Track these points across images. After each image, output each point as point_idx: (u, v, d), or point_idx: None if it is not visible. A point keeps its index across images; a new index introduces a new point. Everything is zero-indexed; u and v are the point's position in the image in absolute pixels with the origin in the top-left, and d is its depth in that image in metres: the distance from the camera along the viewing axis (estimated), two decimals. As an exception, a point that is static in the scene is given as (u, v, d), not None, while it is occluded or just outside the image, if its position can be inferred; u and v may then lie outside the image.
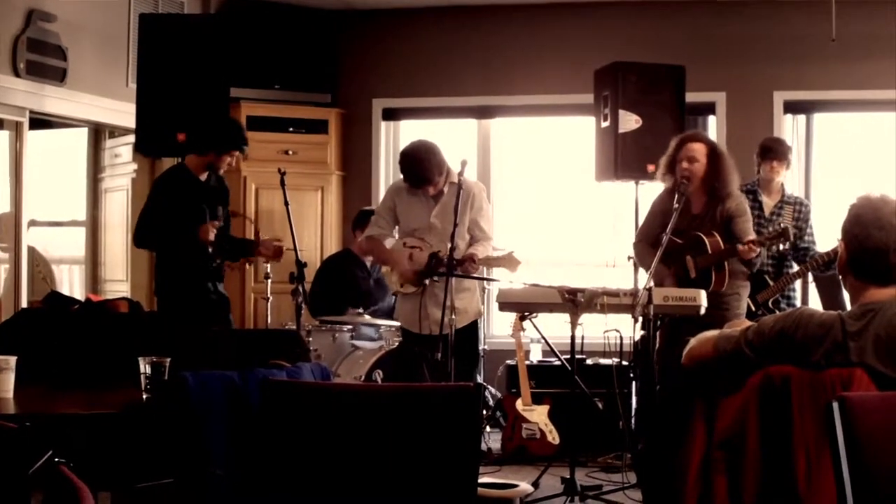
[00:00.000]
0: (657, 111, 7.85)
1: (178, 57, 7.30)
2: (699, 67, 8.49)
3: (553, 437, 7.31)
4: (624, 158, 7.77)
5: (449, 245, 6.22)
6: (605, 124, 7.93)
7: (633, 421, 7.32)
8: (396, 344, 7.21)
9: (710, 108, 9.28)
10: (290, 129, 9.42)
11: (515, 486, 6.38)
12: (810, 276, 7.36)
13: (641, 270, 6.78)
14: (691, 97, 8.15)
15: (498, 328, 9.33)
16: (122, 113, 7.97)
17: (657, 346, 6.26)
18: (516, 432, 7.42)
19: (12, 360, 3.97)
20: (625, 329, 6.76)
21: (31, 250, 8.03)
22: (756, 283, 6.75)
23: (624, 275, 7.68)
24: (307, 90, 9.61)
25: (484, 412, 8.01)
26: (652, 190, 7.61)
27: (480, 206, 6.67)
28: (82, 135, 9.05)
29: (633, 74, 7.86)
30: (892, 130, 8.99)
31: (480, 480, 5.48)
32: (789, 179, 7.66)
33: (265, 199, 9.12)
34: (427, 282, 6.56)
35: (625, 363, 7.46)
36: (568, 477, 6.03)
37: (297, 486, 3.11)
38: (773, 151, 7.29)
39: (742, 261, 6.11)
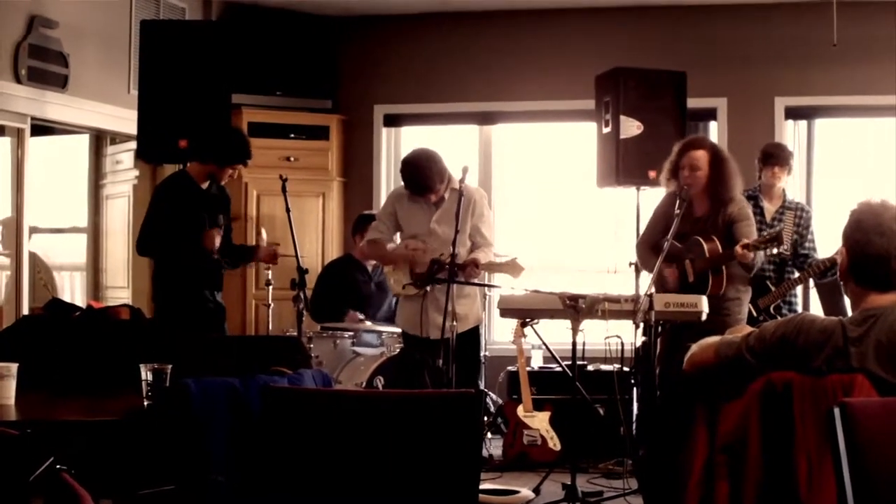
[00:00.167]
0: (658, 117, 7.86)
1: (180, 63, 7.30)
2: (700, 73, 8.49)
3: (554, 443, 7.30)
4: (625, 164, 7.77)
5: (451, 251, 6.22)
6: (606, 130, 7.94)
7: (634, 427, 7.31)
8: (398, 350, 7.21)
9: (711, 114, 9.27)
10: (292, 136, 9.43)
11: (517, 492, 6.39)
12: (811, 282, 7.36)
13: (643, 276, 6.77)
14: (692, 103, 8.16)
15: (499, 334, 9.32)
16: (124, 119, 7.97)
17: (658, 352, 6.26)
18: (517, 439, 7.41)
19: (14, 366, 3.97)
20: (626, 335, 6.75)
21: (33, 257, 8.03)
22: (757, 288, 6.75)
23: (625, 281, 7.67)
24: (308, 96, 9.61)
25: (485, 418, 8.01)
26: (653, 196, 7.61)
27: (482, 213, 6.67)
28: (84, 141, 9.05)
29: (634, 80, 7.87)
30: (893, 136, 8.99)
31: (482, 487, 5.49)
32: (790, 185, 7.66)
33: (266, 205, 9.12)
34: (428, 286, 6.56)
35: (626, 369, 7.45)
36: (569, 483, 6.03)
37: (299, 493, 3.11)
38: (775, 157, 7.29)
39: (740, 265, 6.11)
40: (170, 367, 3.88)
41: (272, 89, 9.46)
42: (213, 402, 3.97)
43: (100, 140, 9.00)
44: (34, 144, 7.53)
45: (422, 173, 6.58)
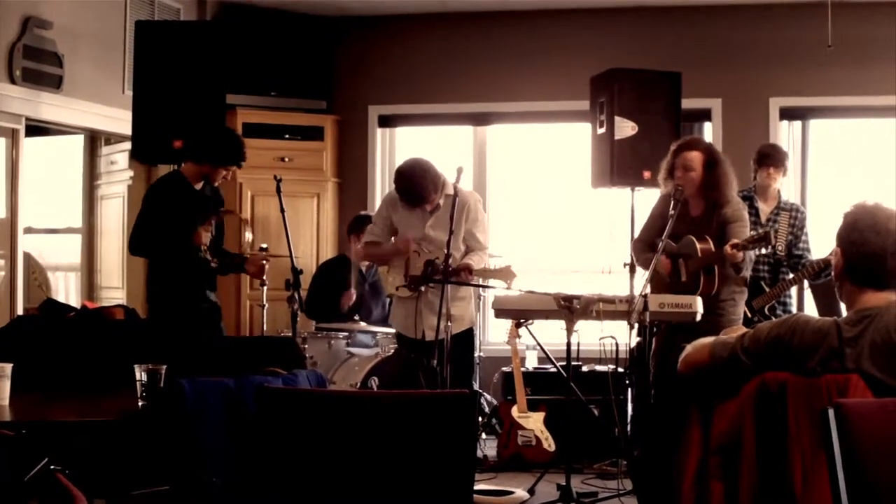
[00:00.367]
0: (653, 118, 7.86)
1: (175, 64, 7.29)
2: (695, 74, 8.49)
3: (549, 443, 7.31)
4: (620, 165, 7.77)
5: (444, 254, 6.22)
6: (601, 131, 7.94)
7: (628, 427, 7.31)
8: (392, 351, 7.21)
9: (705, 115, 9.28)
10: (286, 136, 9.43)
11: (511, 492, 6.40)
12: (806, 283, 7.36)
13: (637, 277, 6.78)
14: (687, 104, 8.16)
15: (494, 335, 9.32)
16: (119, 120, 7.96)
17: (653, 352, 6.26)
18: (512, 439, 7.42)
19: (8, 367, 3.97)
20: (621, 336, 6.75)
21: (28, 257, 8.02)
22: (752, 289, 6.75)
23: (620, 281, 7.67)
24: (303, 97, 9.61)
25: (480, 419, 8.01)
26: (648, 197, 7.63)
27: (476, 217, 6.67)
28: (78, 142, 9.04)
29: (628, 81, 7.87)
30: (888, 136, 9.00)
31: (476, 487, 5.49)
32: (785, 186, 7.66)
33: (261, 205, 9.13)
34: (423, 287, 6.56)
35: (620, 370, 7.46)
36: (564, 484, 6.03)
37: (293, 494, 3.11)
38: (770, 158, 7.30)
39: (731, 265, 6.11)
40: (164, 367, 3.87)
41: (267, 90, 9.46)
42: (207, 403, 3.97)
43: (94, 140, 9.00)
44: (29, 145, 7.52)
45: (416, 184, 6.57)
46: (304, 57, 9.62)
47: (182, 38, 7.45)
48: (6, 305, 7.27)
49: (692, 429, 3.44)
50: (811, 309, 7.95)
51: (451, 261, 6.28)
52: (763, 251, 6.43)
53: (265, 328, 7.40)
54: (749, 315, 6.72)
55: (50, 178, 9.26)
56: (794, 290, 7.49)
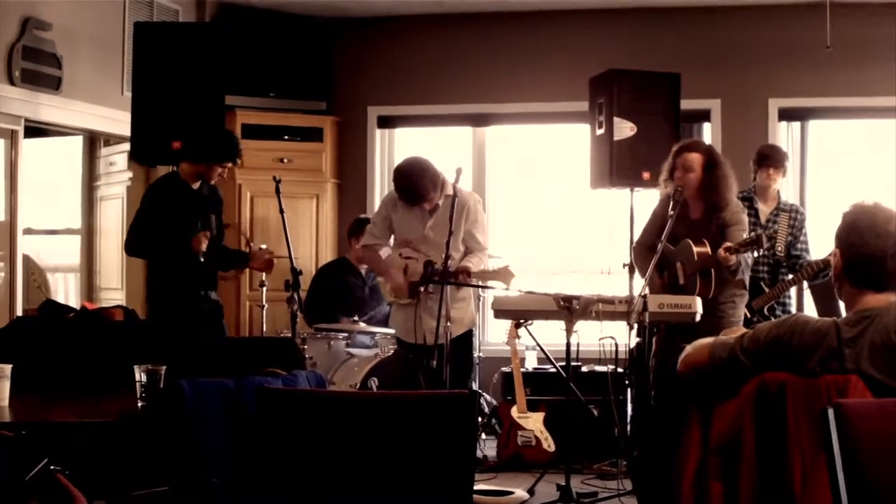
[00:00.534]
0: (652, 118, 7.86)
1: (173, 65, 7.29)
2: (694, 75, 8.49)
3: (548, 444, 7.31)
4: (619, 166, 7.77)
5: (444, 255, 6.23)
6: (600, 132, 7.94)
7: (628, 428, 7.31)
8: (391, 352, 7.21)
9: (705, 116, 9.29)
10: (285, 137, 9.43)
11: (511, 493, 6.39)
12: (806, 283, 7.36)
13: (637, 277, 6.78)
14: (686, 104, 8.16)
15: (493, 336, 9.33)
16: (118, 121, 7.96)
17: (652, 352, 6.26)
18: (512, 439, 7.42)
19: (7, 368, 3.97)
20: (620, 336, 6.75)
21: (27, 258, 8.02)
22: (751, 290, 6.75)
23: (619, 282, 7.68)
24: (302, 98, 9.61)
25: (479, 419, 8.01)
26: (647, 197, 7.63)
27: (475, 218, 6.68)
28: (77, 143, 9.04)
29: (627, 82, 7.87)
30: (887, 137, 9.01)
31: (476, 487, 5.49)
32: (784, 186, 7.66)
33: (260, 207, 9.13)
34: (422, 291, 6.56)
35: (620, 370, 7.46)
36: (563, 484, 6.04)
37: (293, 494, 3.11)
38: (770, 159, 7.30)
39: (725, 268, 6.11)
40: (164, 368, 3.88)
41: (266, 91, 9.47)
42: (207, 404, 3.97)
43: (93, 142, 9.00)
44: (28, 146, 7.52)
45: (415, 182, 6.59)
46: (303, 58, 9.62)
47: (181, 40, 7.44)
48: (6, 306, 7.27)
49: (692, 429, 3.45)
50: (810, 309, 7.96)
51: (450, 262, 6.29)
52: (756, 254, 6.42)
53: (265, 329, 7.41)
54: (748, 315, 6.72)
55: (49, 180, 9.26)
56: (793, 291, 7.50)
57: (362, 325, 7.67)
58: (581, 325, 6.06)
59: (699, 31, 9.25)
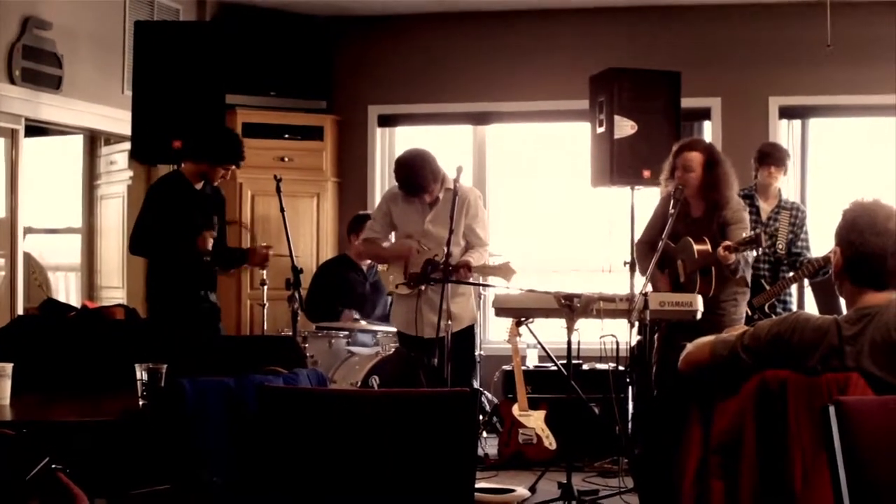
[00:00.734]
0: (652, 117, 7.86)
1: (174, 64, 7.30)
2: (694, 73, 8.49)
3: (549, 442, 7.31)
4: (619, 164, 7.77)
5: (445, 251, 6.23)
6: (600, 130, 7.94)
7: (629, 426, 7.31)
8: (392, 350, 7.21)
9: (705, 114, 9.28)
10: (286, 136, 9.43)
11: (512, 490, 6.39)
12: (806, 281, 7.36)
13: (637, 275, 6.78)
14: (686, 103, 8.16)
15: (494, 334, 9.32)
16: (118, 120, 7.96)
17: (654, 350, 6.26)
18: (513, 437, 7.42)
19: (8, 367, 3.97)
20: (621, 334, 6.76)
21: (28, 257, 8.02)
22: (752, 287, 6.76)
23: (620, 280, 7.68)
24: (303, 97, 9.61)
25: (480, 417, 8.01)
26: (647, 196, 7.63)
27: (476, 213, 6.69)
28: (78, 142, 9.04)
29: (628, 80, 7.87)
30: (888, 135, 9.01)
31: (477, 485, 5.49)
32: (784, 184, 7.66)
33: (261, 205, 9.12)
34: (423, 285, 6.57)
35: (621, 368, 7.46)
36: (565, 482, 6.03)
37: (294, 493, 3.11)
38: (772, 157, 7.31)
39: (725, 267, 6.11)
40: (165, 366, 3.88)
41: (266, 90, 9.46)
42: (208, 402, 3.97)
43: (94, 141, 9.00)
44: (28, 145, 7.52)
45: (416, 173, 6.60)
46: (303, 57, 9.62)
47: (181, 39, 7.45)
48: (6, 305, 7.27)
49: (693, 427, 3.45)
50: (811, 307, 7.95)
51: (450, 258, 6.29)
52: (755, 252, 6.43)
53: (266, 327, 7.41)
54: (749, 313, 6.73)
55: (50, 179, 9.26)
56: (794, 288, 7.50)
57: (363, 323, 7.67)
58: (582, 323, 6.05)
59: (699, 29, 9.25)
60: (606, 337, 6.83)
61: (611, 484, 6.58)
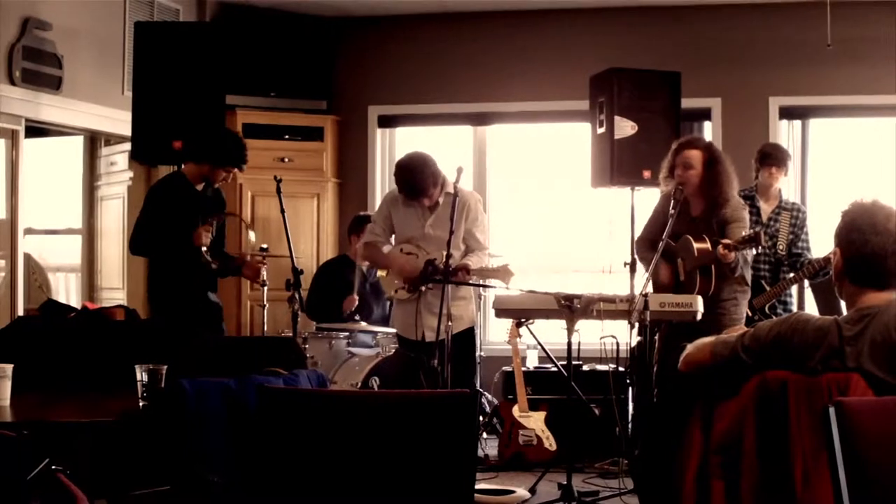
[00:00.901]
0: (653, 117, 7.86)
1: (174, 65, 7.30)
2: (694, 73, 8.49)
3: (550, 443, 7.31)
4: (620, 164, 7.77)
5: (444, 253, 6.23)
6: (600, 130, 7.94)
7: (629, 427, 7.32)
8: (393, 351, 7.21)
9: (705, 114, 9.29)
10: (286, 137, 9.43)
11: (512, 492, 6.39)
12: (807, 282, 7.36)
13: (638, 276, 6.78)
14: (687, 103, 8.16)
15: (494, 335, 9.33)
16: (118, 121, 7.96)
17: (654, 351, 6.26)
18: (513, 439, 7.42)
19: (9, 367, 3.97)
20: (621, 335, 6.76)
21: (28, 258, 8.03)
22: (753, 288, 6.75)
23: (620, 281, 7.68)
24: (303, 97, 9.62)
25: (481, 418, 8.01)
26: (648, 196, 7.63)
27: (476, 217, 6.68)
28: (78, 143, 9.04)
29: (628, 80, 7.87)
30: (888, 135, 9.01)
31: (477, 486, 5.49)
32: (785, 185, 7.66)
33: (261, 206, 9.13)
34: (423, 288, 6.57)
35: (621, 369, 7.46)
36: (565, 483, 6.03)
37: (294, 494, 3.11)
38: (773, 157, 7.30)
39: (724, 265, 6.10)
40: (165, 367, 3.87)
41: (266, 90, 9.47)
42: (208, 403, 3.97)
43: (94, 141, 9.00)
44: (28, 146, 7.53)
45: (415, 177, 6.59)
46: (303, 57, 9.63)
47: (181, 39, 7.45)
48: (7, 306, 7.27)
49: (693, 428, 3.45)
50: (812, 307, 7.95)
51: (450, 261, 6.29)
52: (754, 251, 6.42)
53: (266, 328, 7.40)
54: (749, 314, 6.72)
55: (50, 179, 9.26)
56: (794, 289, 7.49)
57: (363, 324, 7.67)
58: (582, 324, 6.05)
59: (700, 29, 9.25)
60: (606, 338, 6.84)
61: (611, 485, 6.58)
